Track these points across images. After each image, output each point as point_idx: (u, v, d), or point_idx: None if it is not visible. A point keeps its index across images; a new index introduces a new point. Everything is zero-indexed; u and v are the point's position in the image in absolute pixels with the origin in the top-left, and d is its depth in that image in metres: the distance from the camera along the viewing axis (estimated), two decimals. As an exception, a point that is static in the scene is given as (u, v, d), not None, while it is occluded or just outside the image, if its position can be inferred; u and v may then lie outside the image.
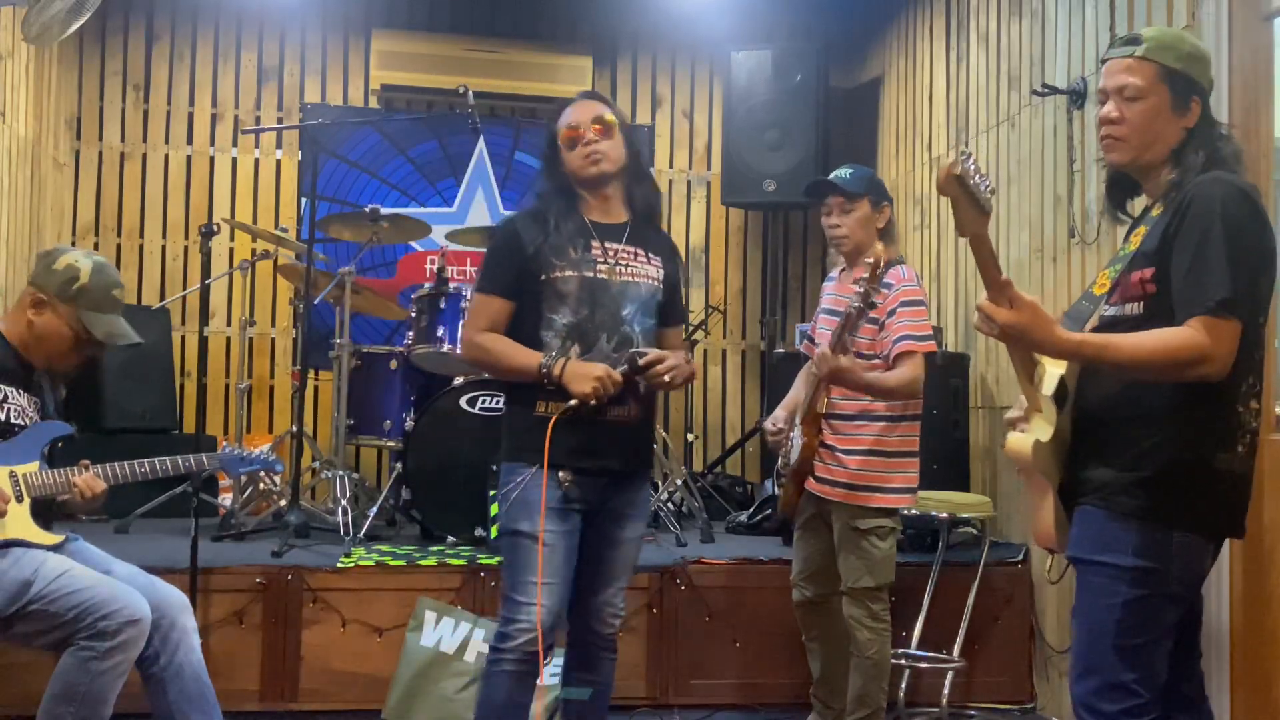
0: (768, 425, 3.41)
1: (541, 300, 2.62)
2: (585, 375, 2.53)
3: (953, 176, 1.88)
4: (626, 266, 2.65)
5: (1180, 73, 2.12)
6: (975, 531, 4.24)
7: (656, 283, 2.68)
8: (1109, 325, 2.13)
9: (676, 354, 2.64)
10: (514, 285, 2.65)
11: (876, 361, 3.17)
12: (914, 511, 3.68)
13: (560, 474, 2.57)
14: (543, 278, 2.62)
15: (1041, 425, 2.15)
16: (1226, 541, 2.20)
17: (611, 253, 2.65)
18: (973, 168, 1.89)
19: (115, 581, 2.77)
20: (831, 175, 3.33)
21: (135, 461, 2.92)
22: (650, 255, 2.71)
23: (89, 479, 2.85)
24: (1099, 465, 2.11)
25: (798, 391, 3.46)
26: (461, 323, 4.25)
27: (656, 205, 2.77)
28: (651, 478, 2.69)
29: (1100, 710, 2.06)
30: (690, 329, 5.76)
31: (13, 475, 2.79)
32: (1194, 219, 2.01)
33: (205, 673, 2.90)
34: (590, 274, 2.61)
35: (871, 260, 2.85)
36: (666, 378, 2.58)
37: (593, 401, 2.53)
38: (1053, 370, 2.15)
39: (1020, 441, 2.17)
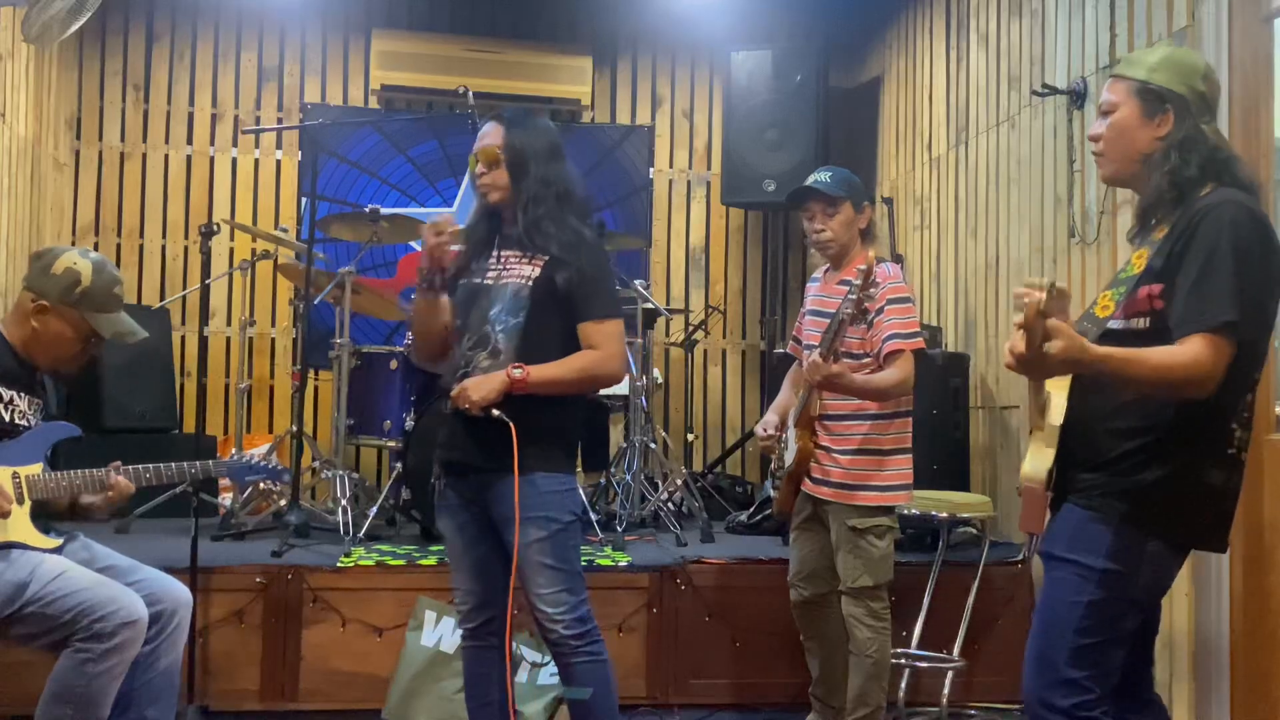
0: (759, 430, 3.41)
1: None
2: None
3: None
4: (509, 270, 2.74)
5: (1148, 84, 2.17)
6: (975, 531, 4.24)
7: (526, 280, 2.70)
8: (1114, 339, 2.11)
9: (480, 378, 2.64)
10: None
11: (867, 360, 3.16)
12: (914, 511, 3.68)
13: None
14: None
15: (1043, 450, 2.16)
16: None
17: (503, 259, 2.77)
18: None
19: (112, 583, 2.75)
20: (811, 180, 3.30)
21: (154, 466, 2.92)
22: (534, 256, 2.73)
23: (126, 484, 2.86)
24: (1091, 469, 2.13)
25: (786, 394, 3.46)
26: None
27: (540, 214, 2.71)
28: (537, 477, 2.61)
29: (1052, 704, 2.11)
30: (690, 329, 5.77)
31: (15, 476, 2.78)
32: (1203, 237, 2.02)
33: (178, 674, 2.90)
34: (478, 280, 2.76)
35: (864, 267, 2.84)
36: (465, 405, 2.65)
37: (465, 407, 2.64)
38: (1058, 398, 2.16)
39: (1036, 470, 2.17)
